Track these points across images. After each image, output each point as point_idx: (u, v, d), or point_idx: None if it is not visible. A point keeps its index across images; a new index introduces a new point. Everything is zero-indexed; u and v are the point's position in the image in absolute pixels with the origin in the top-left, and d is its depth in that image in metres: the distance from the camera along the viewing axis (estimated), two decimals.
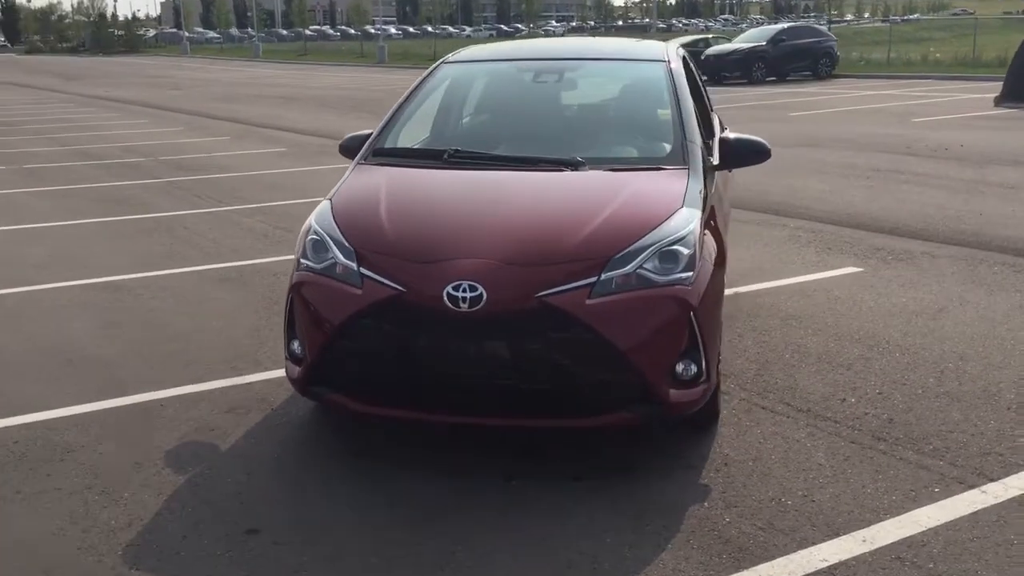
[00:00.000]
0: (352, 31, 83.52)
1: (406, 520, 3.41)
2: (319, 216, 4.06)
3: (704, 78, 6.59)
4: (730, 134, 4.65)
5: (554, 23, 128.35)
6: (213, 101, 25.29)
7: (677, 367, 3.67)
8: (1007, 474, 3.72)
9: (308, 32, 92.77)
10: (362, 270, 3.70)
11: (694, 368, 3.70)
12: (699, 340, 3.68)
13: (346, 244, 3.81)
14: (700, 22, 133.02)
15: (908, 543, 3.24)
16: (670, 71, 4.77)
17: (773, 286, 6.56)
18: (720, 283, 3.93)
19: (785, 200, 9.83)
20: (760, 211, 9.30)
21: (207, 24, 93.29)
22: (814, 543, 3.24)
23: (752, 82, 28.92)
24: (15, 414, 4.30)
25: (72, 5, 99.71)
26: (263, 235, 8.27)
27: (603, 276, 3.59)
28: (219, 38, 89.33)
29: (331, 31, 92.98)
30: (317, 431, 4.20)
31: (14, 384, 4.70)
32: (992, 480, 3.67)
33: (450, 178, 4.33)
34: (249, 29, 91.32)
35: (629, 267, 3.63)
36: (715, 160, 4.58)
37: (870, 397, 4.52)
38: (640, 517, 3.42)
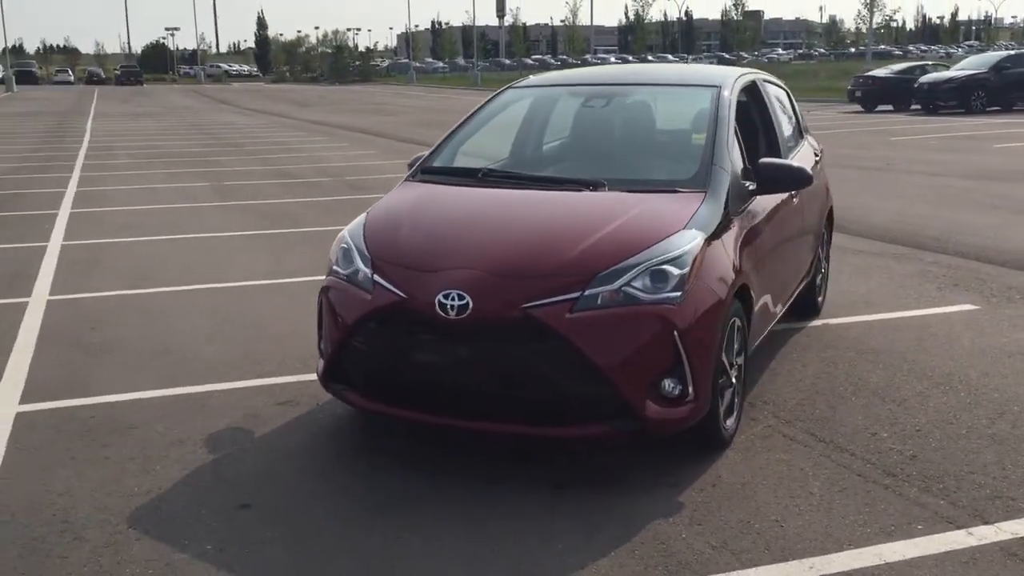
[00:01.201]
0: (571, 60, 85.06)
1: (391, 509, 3.68)
2: (352, 227, 4.42)
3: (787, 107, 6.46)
4: (768, 160, 4.63)
5: (780, 50, 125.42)
6: (418, 126, 26.62)
7: (662, 385, 3.75)
8: (1006, 519, 3.54)
9: (529, 61, 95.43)
10: (375, 277, 4.02)
11: (679, 387, 3.76)
12: (684, 360, 3.74)
13: (366, 253, 4.14)
14: (940, 48, 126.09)
15: (856, 574, 3.18)
16: (717, 98, 4.81)
17: (870, 319, 6.35)
18: (719, 306, 3.91)
19: (939, 234, 9.36)
20: (905, 244, 8.93)
21: (436, 55, 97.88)
22: (757, 565, 3.24)
23: (970, 111, 27.30)
24: (101, 394, 4.91)
25: (317, 38, 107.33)
26: None
27: (587, 291, 3.72)
28: (445, 67, 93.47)
29: (552, 60, 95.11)
30: (348, 427, 4.51)
31: (113, 370, 5.33)
32: (987, 523, 3.51)
33: (473, 196, 4.58)
34: (473, 59, 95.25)
35: (616, 284, 3.75)
36: (750, 186, 4.57)
37: (906, 433, 4.37)
38: (599, 527, 3.51)
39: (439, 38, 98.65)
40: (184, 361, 5.48)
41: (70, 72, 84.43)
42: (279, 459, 4.15)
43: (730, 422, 4.23)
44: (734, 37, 67.76)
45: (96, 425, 4.50)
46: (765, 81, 5.66)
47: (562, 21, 79.72)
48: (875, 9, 56.84)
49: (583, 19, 79.17)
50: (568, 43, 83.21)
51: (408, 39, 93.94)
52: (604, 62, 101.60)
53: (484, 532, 3.50)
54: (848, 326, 6.21)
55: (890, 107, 30.23)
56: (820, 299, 6.47)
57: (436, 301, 3.77)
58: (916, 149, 17.87)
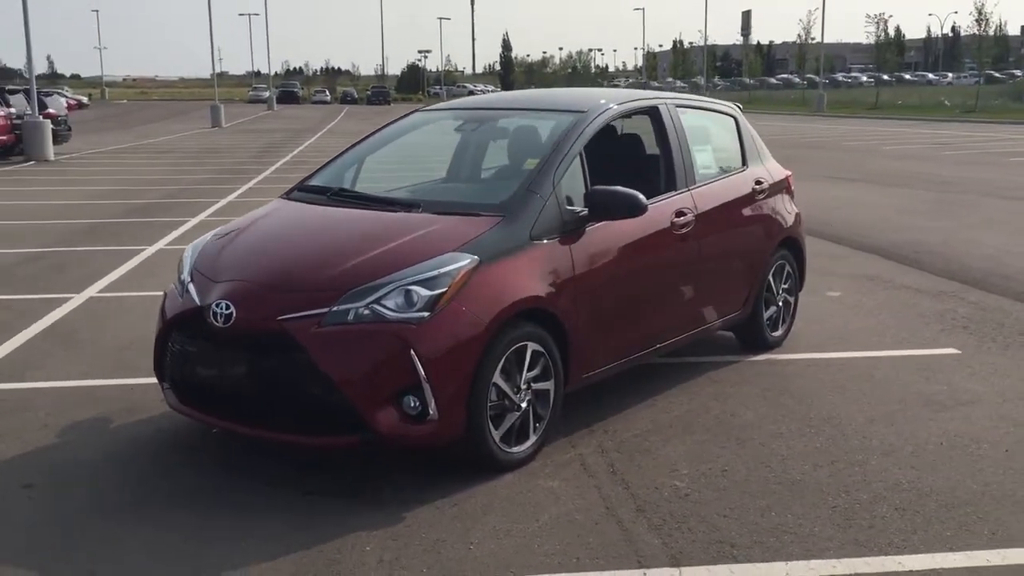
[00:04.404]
0: (816, 78, 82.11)
1: (150, 503, 4.02)
2: (199, 239, 4.82)
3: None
4: (599, 187, 4.56)
5: None
6: None
7: (404, 402, 3.87)
8: (701, 563, 3.42)
9: (773, 80, 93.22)
10: (189, 285, 4.39)
11: (419, 405, 3.87)
12: (422, 379, 3.84)
13: (192, 263, 4.53)
14: None
15: None
16: (570, 125, 4.79)
17: (823, 357, 6.02)
18: (483, 330, 3.96)
19: (1015, 273, 8.57)
20: (963, 282, 8.25)
21: (675, 75, 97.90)
22: None
23: None
24: (34, 380, 5.56)
25: (560, 58, 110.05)
26: None
27: (336, 307, 3.91)
28: (685, 87, 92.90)
29: (796, 79, 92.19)
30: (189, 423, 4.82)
31: (69, 360, 5.99)
32: (676, 566, 3.40)
33: (301, 212, 4.85)
34: (716, 78, 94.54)
35: (364, 301, 3.92)
36: (582, 211, 4.53)
37: (706, 473, 4.22)
38: (292, 533, 3.66)
39: (677, 57, 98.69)
40: (133, 357, 6.05)
41: (327, 92, 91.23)
42: (101, 448, 4.57)
43: (520, 448, 4.25)
44: (984, 53, 61.65)
45: (2, 408, 5.13)
46: (680, 106, 5.52)
47: (800, 38, 76.70)
48: None
49: (818, 36, 75.66)
50: (800, 61, 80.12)
51: (643, 58, 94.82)
52: (855, 80, 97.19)
53: (201, 530, 3.73)
54: (788, 363, 5.92)
55: None
56: (777, 333, 6.20)
57: (211, 309, 4.09)
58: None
